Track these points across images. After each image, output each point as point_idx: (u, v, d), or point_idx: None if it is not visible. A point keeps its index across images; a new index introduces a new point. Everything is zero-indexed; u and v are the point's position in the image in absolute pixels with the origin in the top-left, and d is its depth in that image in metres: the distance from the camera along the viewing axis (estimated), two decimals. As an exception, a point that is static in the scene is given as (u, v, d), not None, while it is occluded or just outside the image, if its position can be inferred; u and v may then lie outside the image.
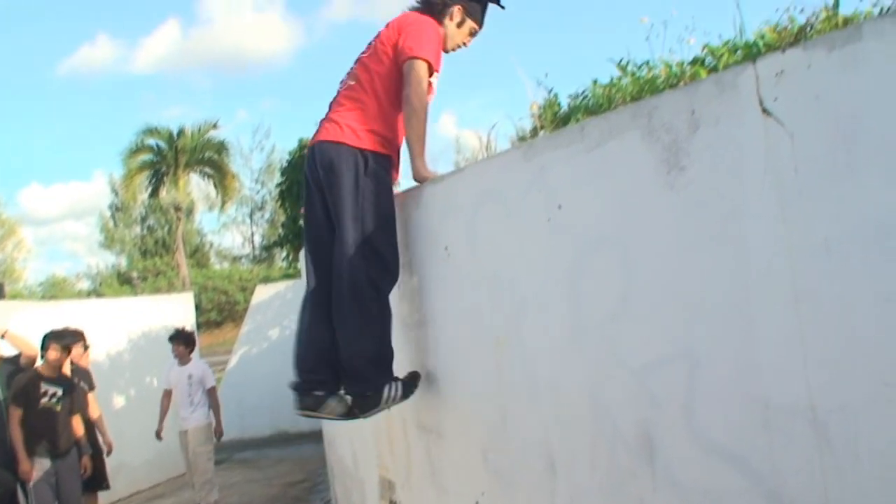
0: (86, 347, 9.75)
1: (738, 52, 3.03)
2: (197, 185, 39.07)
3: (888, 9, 2.78)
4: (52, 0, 68.62)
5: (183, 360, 10.29)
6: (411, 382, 4.21)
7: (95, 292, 47.87)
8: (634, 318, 2.56)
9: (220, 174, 33.84)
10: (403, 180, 4.49)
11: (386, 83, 4.19)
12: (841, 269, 1.89)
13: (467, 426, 3.83)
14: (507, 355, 3.35)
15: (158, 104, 70.53)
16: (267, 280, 28.24)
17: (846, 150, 1.85)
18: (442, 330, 4.02)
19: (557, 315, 2.95)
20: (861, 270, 1.84)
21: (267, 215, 52.85)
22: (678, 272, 2.37)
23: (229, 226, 54.54)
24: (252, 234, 54.70)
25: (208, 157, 33.54)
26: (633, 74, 3.64)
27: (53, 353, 8.27)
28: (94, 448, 9.24)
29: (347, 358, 4.11)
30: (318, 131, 4.34)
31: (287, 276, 19.37)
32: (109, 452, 9.61)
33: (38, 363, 8.42)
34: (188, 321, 14.21)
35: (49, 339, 8.38)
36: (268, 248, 45.59)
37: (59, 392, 8.28)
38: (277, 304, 16.20)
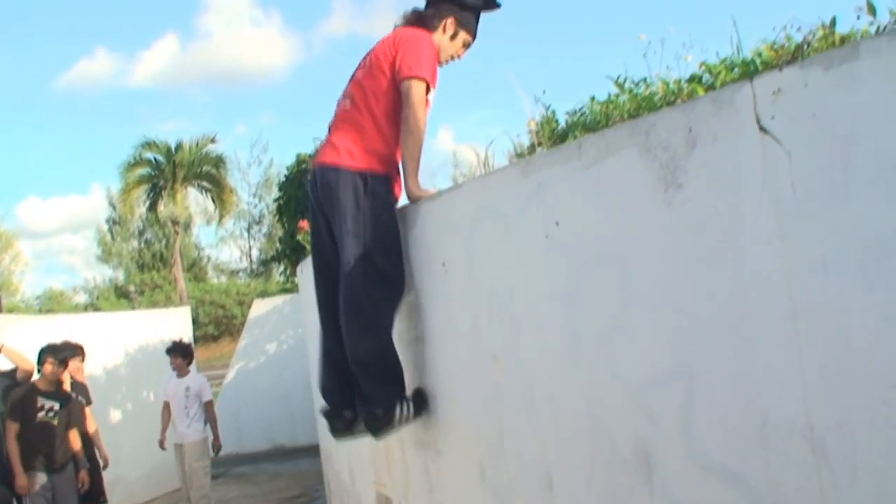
0: (82, 360, 9.73)
1: (736, 69, 3.04)
2: (195, 199, 39.03)
3: (885, 28, 2.79)
4: (51, 14, 68.65)
5: (181, 372, 10.25)
6: (421, 400, 4.20)
7: (92, 306, 47.82)
8: (632, 334, 2.56)
9: (217, 188, 33.82)
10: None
11: (382, 101, 4.19)
12: (838, 287, 1.89)
13: (465, 443, 3.83)
14: (505, 372, 3.35)
15: (156, 118, 70.66)
16: (264, 294, 28.24)
17: (843, 168, 1.86)
18: (439, 346, 4.01)
19: (555, 331, 2.95)
20: (858, 288, 1.84)
21: (264, 229, 52.82)
22: (676, 289, 2.37)
23: (227, 240, 54.55)
24: (249, 249, 54.69)
25: (206, 171, 33.51)
26: (630, 91, 3.65)
27: (50, 367, 8.24)
28: (92, 462, 9.22)
29: (355, 376, 4.14)
30: (318, 154, 4.37)
31: (285, 291, 19.32)
32: (106, 466, 9.59)
33: (35, 377, 8.41)
34: (185, 335, 14.19)
35: (45, 352, 8.36)
36: (265, 262, 45.58)
37: (57, 406, 8.26)
38: (275, 319, 16.18)
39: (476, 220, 3.45)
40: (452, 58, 4.49)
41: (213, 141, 33.56)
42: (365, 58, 4.41)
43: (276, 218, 15.73)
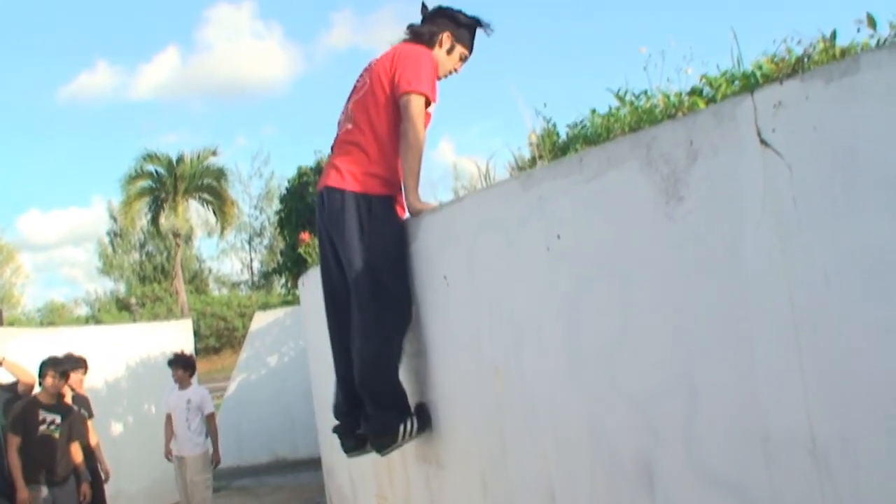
0: (84, 373, 9.72)
1: (736, 82, 3.04)
2: (196, 212, 39.06)
3: (885, 41, 2.79)
4: (53, 28, 68.76)
5: (183, 384, 10.22)
6: (424, 416, 4.21)
7: (94, 318, 47.77)
8: (633, 347, 2.56)
9: (219, 201, 33.84)
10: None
11: (384, 121, 4.21)
12: (840, 300, 1.89)
13: (466, 456, 3.82)
14: (506, 384, 3.35)
15: (157, 130, 70.65)
16: (266, 307, 28.20)
17: (844, 182, 1.86)
18: (441, 359, 4.01)
19: (556, 344, 2.95)
20: (860, 302, 1.84)
21: (266, 241, 52.83)
22: (677, 302, 2.36)
23: (228, 252, 54.52)
24: (251, 261, 54.65)
25: (207, 183, 33.53)
26: (631, 104, 3.65)
27: (51, 380, 8.23)
28: (93, 475, 9.19)
29: (360, 394, 4.16)
30: (323, 177, 4.40)
31: (286, 303, 19.31)
32: (107, 479, 9.56)
33: (37, 390, 8.40)
34: (187, 347, 14.17)
35: (46, 365, 8.35)
36: (267, 274, 45.60)
37: (58, 419, 8.25)
38: (276, 331, 16.16)
39: (477, 233, 3.46)
40: (450, 72, 4.53)
41: (214, 153, 33.61)
42: (363, 75, 4.43)
43: (278, 230, 15.74)
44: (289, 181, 14.60)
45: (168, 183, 32.67)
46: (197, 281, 53.23)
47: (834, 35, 2.97)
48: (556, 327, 2.94)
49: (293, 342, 15.59)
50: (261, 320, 16.59)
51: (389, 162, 4.22)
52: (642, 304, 2.51)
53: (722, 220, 2.18)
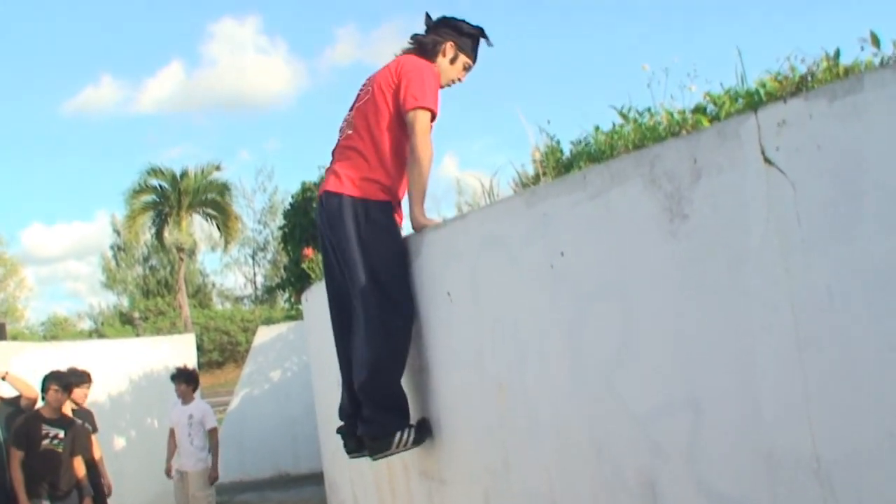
0: (89, 387, 9.71)
1: (740, 100, 3.04)
2: (199, 226, 39.07)
3: (889, 59, 2.79)
4: (57, 42, 68.97)
5: (186, 399, 10.21)
6: (423, 429, 4.21)
7: (97, 332, 47.73)
8: (637, 365, 2.56)
9: (222, 215, 33.86)
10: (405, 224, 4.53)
11: (384, 128, 4.23)
12: (844, 319, 1.88)
13: (469, 472, 3.82)
14: (510, 401, 3.34)
15: (161, 144, 70.73)
16: (269, 321, 28.17)
17: (848, 200, 1.86)
18: (444, 375, 4.01)
19: (560, 361, 2.95)
20: (864, 320, 1.84)
21: (269, 256, 52.84)
22: (681, 320, 2.36)
23: (231, 266, 54.51)
24: (254, 275, 54.66)
25: (211, 198, 33.56)
26: (634, 121, 3.66)
27: (54, 394, 8.23)
28: (96, 489, 9.18)
29: (361, 396, 4.17)
30: (323, 182, 4.42)
31: (289, 318, 19.32)
32: (109, 494, 9.54)
33: (39, 405, 8.39)
34: (190, 362, 14.17)
35: (49, 380, 8.35)
36: (270, 289, 45.59)
37: (61, 434, 8.24)
38: (279, 346, 16.14)
39: (481, 249, 3.46)
40: (453, 81, 4.55)
41: (218, 168, 33.67)
42: (366, 84, 4.45)
43: (281, 245, 15.71)
44: (292, 196, 14.58)
45: (172, 197, 32.70)
46: (200, 295, 53.22)
47: (837, 53, 2.97)
48: (559, 344, 2.94)
49: (296, 357, 15.58)
50: (264, 335, 16.58)
51: (388, 169, 4.25)
52: (645, 321, 2.50)
53: (726, 239, 2.18)
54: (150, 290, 52.20)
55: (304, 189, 13.59)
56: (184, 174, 32.80)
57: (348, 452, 4.54)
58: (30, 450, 8.01)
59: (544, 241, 2.96)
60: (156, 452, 10.60)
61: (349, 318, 4.29)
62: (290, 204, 14.51)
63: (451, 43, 4.45)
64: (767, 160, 2.04)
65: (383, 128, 4.23)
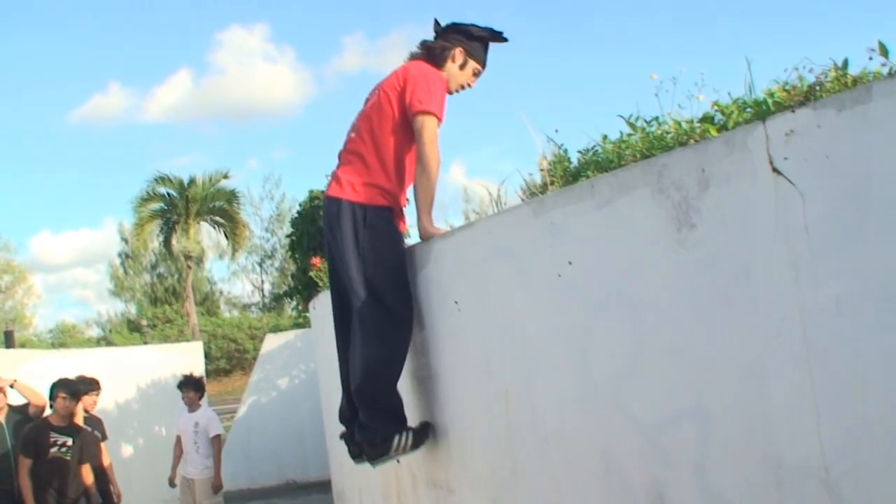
0: (97, 395, 9.71)
1: (748, 109, 3.04)
2: (207, 234, 39.12)
3: (897, 69, 2.79)
4: (65, 50, 69.14)
5: (193, 406, 10.21)
6: (422, 432, 4.21)
7: (105, 339, 47.81)
8: (645, 375, 2.55)
9: (230, 223, 33.84)
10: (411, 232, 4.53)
11: (388, 134, 4.23)
12: (853, 329, 1.88)
13: (477, 481, 3.81)
14: (517, 410, 3.34)
15: (169, 153, 70.80)
16: (277, 329, 28.16)
17: (857, 210, 1.86)
18: (452, 384, 4.01)
19: (567, 371, 2.95)
20: (873, 330, 1.84)
21: (277, 263, 52.88)
22: (689, 330, 2.36)
23: (239, 274, 54.55)
24: (262, 283, 54.67)
25: (219, 206, 33.54)
26: (642, 130, 3.65)
27: (62, 402, 8.23)
28: (104, 497, 9.17)
29: (356, 401, 4.17)
30: (327, 187, 4.42)
31: (297, 326, 19.26)
32: (119, 501, 9.54)
33: (48, 412, 8.40)
34: (197, 370, 14.17)
35: (57, 387, 8.35)
36: (277, 297, 45.60)
37: (69, 441, 8.24)
38: (287, 354, 16.13)
39: (489, 258, 3.46)
40: (463, 87, 4.53)
41: (226, 176, 33.62)
42: (373, 90, 4.45)
43: (289, 254, 15.70)
44: (300, 204, 14.57)
45: (180, 205, 32.70)
46: (208, 303, 53.31)
47: (846, 63, 2.97)
48: (567, 353, 2.94)
49: (304, 365, 15.58)
50: (272, 343, 16.57)
51: (389, 173, 4.24)
52: (654, 331, 2.50)
53: (734, 248, 2.19)
54: (158, 298, 52.29)
55: (312, 197, 13.60)
56: (192, 182, 32.80)
57: (353, 457, 4.53)
58: (38, 457, 8.01)
59: (552, 250, 2.96)
60: (163, 460, 10.60)
61: (350, 321, 4.29)
62: (298, 212, 14.52)
63: (461, 48, 4.43)
64: (776, 170, 2.04)
65: (387, 131, 4.23)
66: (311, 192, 13.79)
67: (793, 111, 2.02)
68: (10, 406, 8.44)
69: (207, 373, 17.82)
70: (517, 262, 3.22)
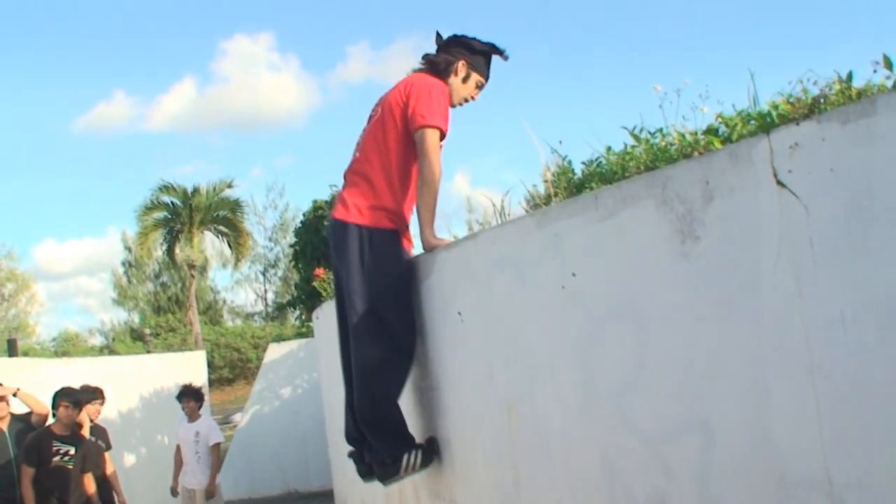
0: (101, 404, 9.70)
1: (752, 121, 3.04)
2: (211, 243, 39.09)
3: (902, 82, 2.80)
4: (70, 58, 69.30)
5: (192, 416, 10.21)
6: (430, 449, 4.21)
7: (108, 348, 47.80)
8: (648, 387, 2.55)
9: (234, 232, 33.86)
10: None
11: (393, 151, 4.23)
12: (857, 343, 1.88)
13: (479, 492, 3.80)
14: (520, 421, 3.34)
15: (173, 161, 70.85)
16: (280, 338, 28.15)
17: (861, 224, 1.86)
18: (455, 395, 4.00)
19: (570, 382, 2.94)
20: (877, 343, 1.84)
21: (280, 272, 52.88)
22: (692, 342, 2.36)
23: (242, 283, 54.54)
24: (265, 292, 54.63)
25: (223, 215, 33.57)
26: (646, 142, 3.66)
27: (64, 411, 8.23)
28: (110, 506, 9.17)
29: (360, 425, 4.17)
30: (333, 208, 4.42)
31: (300, 335, 19.28)
32: (123, 510, 9.54)
33: (50, 421, 8.40)
34: (201, 379, 14.19)
35: (60, 396, 8.35)
36: (281, 307, 45.61)
37: (72, 450, 8.23)
38: (290, 363, 16.13)
39: (492, 269, 3.46)
40: (466, 100, 4.52)
41: (229, 185, 33.65)
42: (376, 106, 4.44)
43: (293, 263, 15.72)
44: (304, 214, 14.61)
45: (183, 214, 32.72)
46: (211, 312, 53.28)
47: (850, 76, 2.97)
48: (570, 365, 2.94)
49: (307, 374, 15.57)
50: (275, 352, 16.57)
51: (396, 194, 4.23)
52: (657, 343, 2.50)
53: (738, 261, 2.18)
54: (161, 307, 52.28)
55: (316, 207, 13.63)
56: (195, 191, 32.83)
57: (362, 477, 4.53)
58: (40, 466, 8.01)
59: (556, 261, 2.95)
60: (165, 469, 10.60)
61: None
62: (302, 222, 14.56)
63: (463, 61, 4.42)
64: (780, 182, 2.04)
65: (391, 148, 4.22)
66: (314, 202, 13.82)
67: (797, 124, 2.02)
68: (12, 415, 8.44)
69: (210, 382, 17.82)
70: (521, 273, 3.22)
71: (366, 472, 4.44)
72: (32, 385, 9.04)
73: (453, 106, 4.40)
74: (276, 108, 68.50)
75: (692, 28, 63.28)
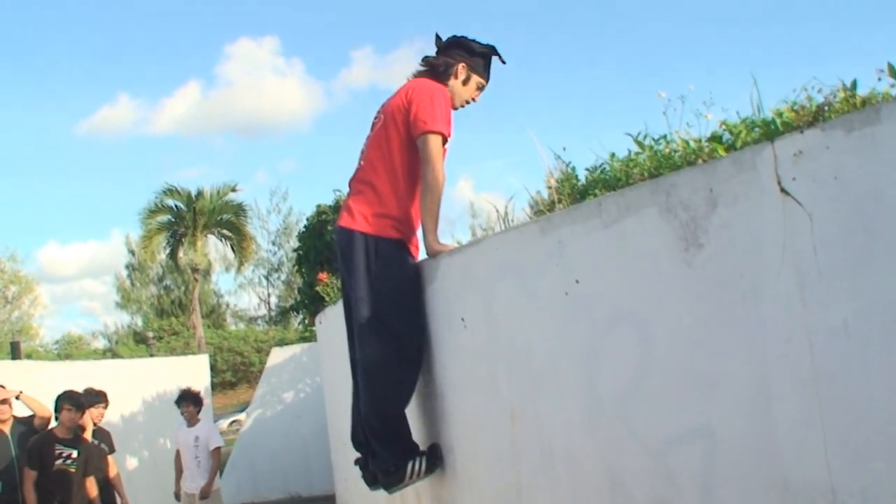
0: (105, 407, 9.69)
1: (756, 129, 3.03)
2: (214, 247, 39.17)
3: (906, 90, 2.79)
4: (74, 61, 69.44)
5: (192, 420, 10.21)
6: (434, 456, 4.20)
7: (111, 351, 47.84)
8: (651, 394, 2.55)
9: (238, 236, 33.87)
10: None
11: (396, 157, 4.23)
12: (860, 351, 1.88)
13: (482, 499, 3.80)
14: (523, 429, 3.33)
15: (177, 165, 71.07)
16: (283, 342, 28.17)
17: (865, 232, 1.85)
18: (458, 402, 4.00)
19: (574, 389, 2.94)
20: (881, 352, 1.83)
21: (283, 276, 52.90)
22: (696, 350, 2.36)
23: (246, 287, 54.57)
24: (268, 296, 54.66)
25: (226, 219, 33.59)
26: (650, 149, 3.65)
27: (67, 414, 8.23)
28: (113, 510, 9.17)
29: (366, 433, 4.17)
30: (339, 216, 4.42)
31: (303, 339, 19.27)
32: (127, 513, 9.54)
33: (53, 424, 8.40)
34: (203, 383, 14.19)
35: (63, 399, 8.35)
36: (284, 311, 45.64)
37: (74, 454, 8.23)
38: (293, 367, 16.13)
39: (496, 276, 3.45)
40: (467, 102, 4.53)
41: (233, 189, 33.68)
42: (378, 113, 4.44)
43: (296, 268, 15.69)
44: (307, 219, 14.58)
45: (187, 218, 32.74)
46: (214, 315, 53.35)
47: (854, 84, 2.97)
48: (573, 372, 2.93)
49: (310, 378, 15.57)
50: (277, 356, 16.57)
51: (402, 202, 4.23)
52: (660, 350, 2.50)
53: (741, 269, 2.18)
54: (165, 310, 52.38)
55: (319, 212, 13.60)
56: (199, 194, 32.84)
57: (367, 484, 4.53)
58: (43, 469, 8.01)
59: (559, 268, 2.95)
60: (168, 472, 10.61)
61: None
62: (305, 226, 14.53)
63: (463, 64, 4.42)
64: (784, 190, 2.04)
65: (395, 154, 4.22)
66: (318, 206, 13.80)
67: (801, 132, 2.02)
68: (15, 417, 8.44)
69: (213, 385, 17.81)
70: (524, 280, 3.21)
71: (371, 481, 4.45)
72: (35, 388, 9.03)
73: (455, 108, 4.40)
74: (281, 112, 68.73)
75: (697, 35, 63.34)
